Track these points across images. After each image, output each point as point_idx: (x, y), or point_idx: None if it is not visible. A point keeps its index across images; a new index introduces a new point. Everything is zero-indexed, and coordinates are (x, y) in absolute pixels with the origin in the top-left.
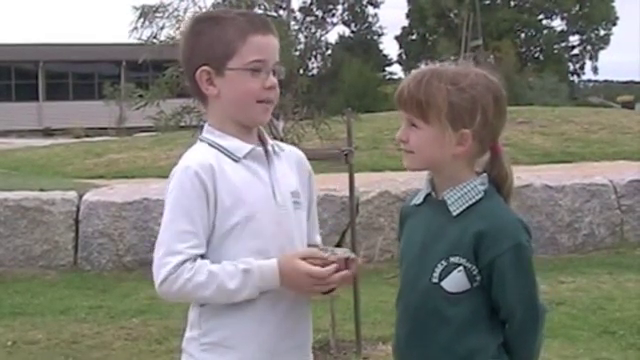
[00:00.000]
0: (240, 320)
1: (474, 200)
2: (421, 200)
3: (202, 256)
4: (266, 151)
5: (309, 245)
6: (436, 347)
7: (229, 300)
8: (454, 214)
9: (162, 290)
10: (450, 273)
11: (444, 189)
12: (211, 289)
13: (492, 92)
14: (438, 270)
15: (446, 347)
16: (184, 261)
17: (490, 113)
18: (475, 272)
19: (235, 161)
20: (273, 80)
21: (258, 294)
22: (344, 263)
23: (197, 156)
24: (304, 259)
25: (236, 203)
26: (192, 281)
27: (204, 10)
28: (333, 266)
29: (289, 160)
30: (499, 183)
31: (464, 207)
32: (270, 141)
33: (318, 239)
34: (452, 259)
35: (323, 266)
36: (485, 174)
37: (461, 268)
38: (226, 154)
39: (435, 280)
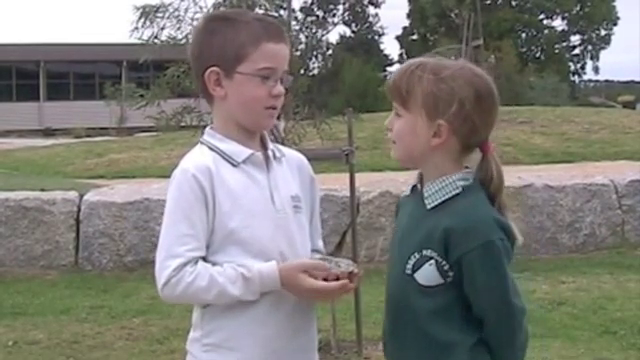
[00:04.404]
0: (241, 321)
1: (449, 195)
2: (408, 192)
3: (203, 259)
4: (267, 156)
5: (312, 250)
6: (409, 339)
7: (231, 302)
8: (427, 207)
9: (165, 294)
10: (422, 266)
11: (427, 182)
12: (213, 293)
13: (474, 87)
14: (411, 262)
15: (418, 340)
16: (184, 264)
17: (469, 107)
18: (446, 267)
19: (233, 165)
20: (280, 89)
21: (260, 296)
22: (347, 277)
23: (195, 159)
24: (306, 271)
25: (234, 207)
26: (193, 285)
27: (205, 10)
28: (339, 282)
29: (290, 165)
30: (485, 184)
31: (438, 201)
32: (271, 145)
33: (320, 244)
34: (425, 252)
35: (326, 278)
36: (469, 170)
37: (432, 262)
38: (225, 158)
39: (409, 272)
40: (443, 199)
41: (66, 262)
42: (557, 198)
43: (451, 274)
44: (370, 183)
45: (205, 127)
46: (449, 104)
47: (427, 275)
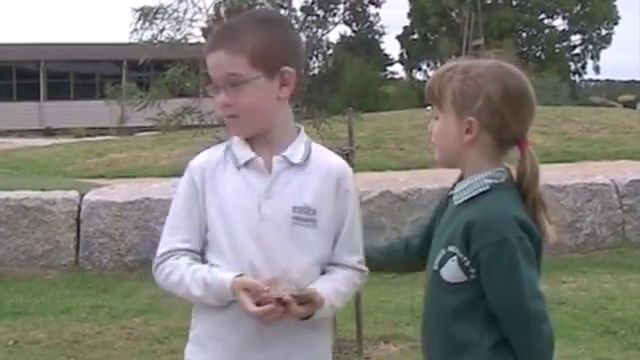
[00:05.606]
0: (212, 322)
1: (476, 192)
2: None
3: (195, 252)
4: (277, 161)
5: (332, 264)
6: (434, 335)
7: (200, 302)
8: (455, 204)
9: (155, 277)
10: (446, 262)
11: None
12: (181, 291)
13: (502, 82)
14: (438, 258)
15: (440, 335)
16: (169, 252)
17: (496, 101)
18: (467, 263)
19: (237, 168)
20: (220, 98)
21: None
22: (276, 303)
23: (203, 156)
24: (247, 289)
25: (219, 210)
26: (169, 278)
27: (204, 11)
28: (262, 308)
29: (314, 174)
30: (519, 180)
31: (466, 198)
32: (291, 150)
33: (348, 259)
34: (449, 248)
35: (260, 302)
36: (501, 168)
37: (455, 258)
38: (232, 159)
39: (435, 268)
40: (469, 196)
41: (66, 262)
42: (558, 198)
43: (473, 271)
44: (370, 183)
45: (205, 127)
46: (476, 99)
47: (451, 271)
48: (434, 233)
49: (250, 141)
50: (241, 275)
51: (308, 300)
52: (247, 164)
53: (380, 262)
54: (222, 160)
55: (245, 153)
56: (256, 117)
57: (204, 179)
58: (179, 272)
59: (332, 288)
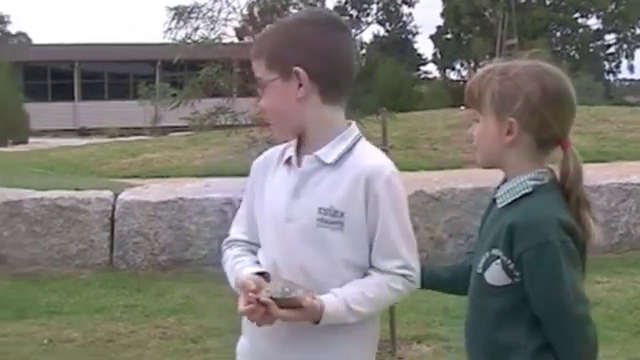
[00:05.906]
0: None
1: (519, 195)
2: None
3: (253, 244)
4: (308, 160)
5: (371, 266)
6: (478, 337)
7: None
8: (499, 207)
9: None
10: (490, 265)
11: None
12: (228, 279)
13: (540, 82)
14: (482, 261)
15: (484, 339)
16: (229, 241)
17: (535, 101)
18: (511, 266)
19: (284, 165)
20: (260, 103)
21: None
22: (256, 303)
23: (264, 153)
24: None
25: (260, 208)
26: (224, 267)
27: (238, 11)
28: (245, 307)
29: (345, 175)
30: (562, 180)
31: (509, 201)
32: (327, 149)
33: (382, 264)
34: (493, 251)
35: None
36: (543, 169)
37: (499, 261)
38: (284, 156)
39: (480, 271)
40: (513, 198)
41: (100, 261)
42: (592, 198)
43: (517, 274)
44: (404, 182)
45: (239, 127)
46: (515, 100)
47: (494, 275)
48: (479, 236)
49: (299, 141)
50: (262, 274)
51: (294, 304)
52: (287, 162)
53: (447, 280)
54: (277, 158)
55: (288, 151)
56: (279, 119)
57: (257, 177)
58: (227, 262)
59: (358, 292)
